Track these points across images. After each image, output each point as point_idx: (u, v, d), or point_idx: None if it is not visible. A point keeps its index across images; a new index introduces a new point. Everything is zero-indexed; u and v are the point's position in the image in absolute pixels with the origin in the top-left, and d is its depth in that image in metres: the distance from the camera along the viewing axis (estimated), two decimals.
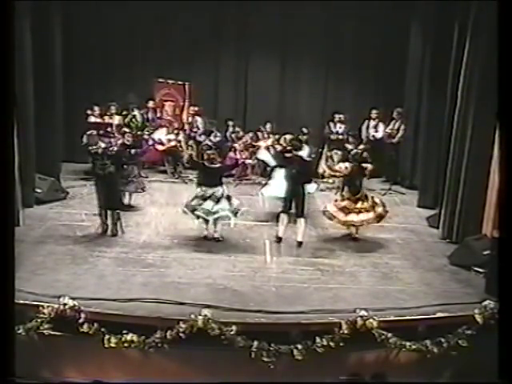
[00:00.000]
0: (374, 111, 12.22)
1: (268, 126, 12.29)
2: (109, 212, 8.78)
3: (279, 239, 8.82)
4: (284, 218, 8.78)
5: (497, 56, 5.78)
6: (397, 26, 11.86)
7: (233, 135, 12.49)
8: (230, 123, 12.46)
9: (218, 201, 8.60)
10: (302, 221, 8.74)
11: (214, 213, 8.60)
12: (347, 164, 9.08)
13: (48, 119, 10.40)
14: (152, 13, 12.38)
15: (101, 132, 10.87)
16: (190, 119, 12.47)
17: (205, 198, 8.61)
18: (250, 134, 12.33)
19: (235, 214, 8.81)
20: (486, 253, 7.73)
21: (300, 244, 8.71)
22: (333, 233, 9.30)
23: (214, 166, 8.83)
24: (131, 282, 7.40)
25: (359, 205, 8.85)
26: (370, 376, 6.23)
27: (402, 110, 11.93)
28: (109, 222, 8.79)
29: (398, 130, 12.00)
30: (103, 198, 8.75)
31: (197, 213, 8.62)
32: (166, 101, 12.47)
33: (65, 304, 6.48)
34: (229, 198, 8.80)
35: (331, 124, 12.33)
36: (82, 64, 12.11)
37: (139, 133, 11.79)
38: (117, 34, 12.46)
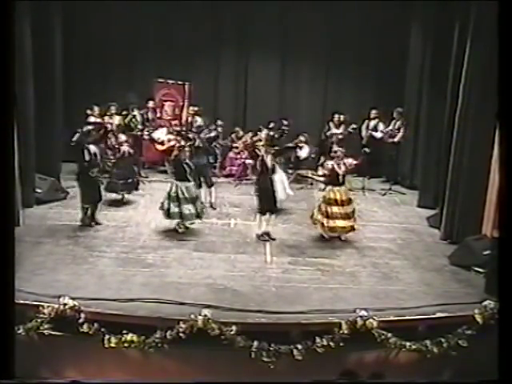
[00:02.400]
0: (373, 111, 12.22)
1: (219, 122, 12.22)
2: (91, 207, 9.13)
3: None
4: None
5: (497, 56, 5.79)
6: (397, 26, 11.85)
7: (233, 135, 12.48)
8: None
9: (183, 201, 8.78)
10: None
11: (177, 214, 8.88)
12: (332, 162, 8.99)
13: (48, 119, 10.40)
14: (152, 13, 12.38)
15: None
16: (190, 119, 12.46)
17: (172, 198, 8.84)
18: (250, 134, 12.33)
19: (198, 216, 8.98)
20: (486, 253, 7.74)
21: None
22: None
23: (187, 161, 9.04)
24: (131, 282, 7.41)
25: (345, 210, 8.82)
26: (368, 376, 6.22)
27: (401, 110, 11.94)
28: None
29: (398, 129, 12.01)
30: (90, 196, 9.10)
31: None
32: (166, 101, 12.46)
33: (65, 304, 6.48)
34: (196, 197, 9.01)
35: (331, 124, 12.34)
36: (81, 64, 12.11)
37: (139, 133, 11.82)
38: (117, 34, 12.44)
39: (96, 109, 11.78)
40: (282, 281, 7.65)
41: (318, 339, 6.41)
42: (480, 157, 8.50)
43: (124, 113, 11.86)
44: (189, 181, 8.99)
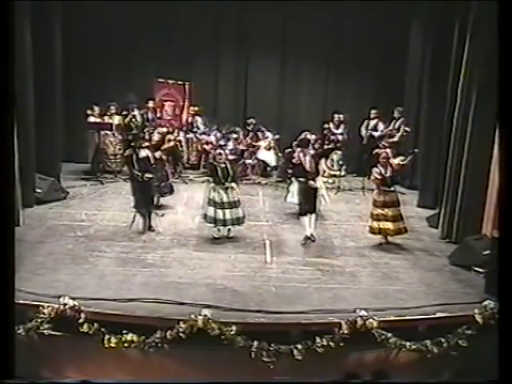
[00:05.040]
0: (373, 111, 12.21)
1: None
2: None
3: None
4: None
5: (497, 56, 5.79)
6: (397, 26, 11.86)
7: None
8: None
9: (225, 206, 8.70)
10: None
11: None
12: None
13: (48, 119, 10.40)
14: (152, 13, 12.38)
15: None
16: (190, 119, 12.46)
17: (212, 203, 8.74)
18: (250, 134, 12.33)
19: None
20: (485, 253, 7.73)
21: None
22: (333, 233, 9.31)
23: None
24: (131, 281, 7.40)
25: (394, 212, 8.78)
26: (370, 374, 6.20)
27: (402, 110, 11.94)
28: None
29: (397, 129, 12.01)
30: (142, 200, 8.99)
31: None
32: (166, 101, 12.45)
33: (65, 304, 6.49)
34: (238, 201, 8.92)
35: (331, 124, 12.33)
36: (81, 64, 12.10)
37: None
38: (117, 34, 12.45)
39: (96, 109, 11.78)
40: (282, 281, 7.65)
41: (317, 339, 6.41)
42: (480, 156, 8.49)
43: (124, 113, 11.86)
44: (227, 183, 8.76)
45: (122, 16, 12.30)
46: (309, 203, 8.80)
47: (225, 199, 8.68)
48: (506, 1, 5.48)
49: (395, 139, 11.98)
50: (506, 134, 5.33)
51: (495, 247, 6.65)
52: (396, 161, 8.93)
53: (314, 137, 10.56)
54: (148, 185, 8.97)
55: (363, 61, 12.64)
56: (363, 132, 12.35)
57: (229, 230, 8.90)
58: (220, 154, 9.04)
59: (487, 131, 8.21)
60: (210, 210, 8.73)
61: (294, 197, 9.65)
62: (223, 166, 8.82)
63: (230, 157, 8.92)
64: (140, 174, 8.81)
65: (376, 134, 12.16)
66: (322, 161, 12.27)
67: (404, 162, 9.08)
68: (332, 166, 12.19)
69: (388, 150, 9.19)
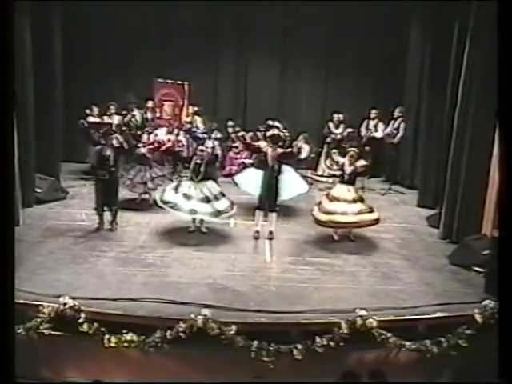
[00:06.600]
0: (373, 111, 12.21)
1: (230, 123, 12.41)
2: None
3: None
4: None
5: (497, 56, 5.79)
6: (397, 26, 11.86)
7: (232, 135, 12.49)
8: (230, 123, 12.46)
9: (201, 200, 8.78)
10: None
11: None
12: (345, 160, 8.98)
13: (48, 119, 10.40)
14: (152, 13, 12.40)
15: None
16: (190, 119, 12.46)
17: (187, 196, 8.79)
18: (250, 134, 12.33)
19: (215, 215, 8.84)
20: (485, 253, 7.73)
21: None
22: (333, 232, 9.30)
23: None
24: (131, 281, 7.40)
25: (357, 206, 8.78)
26: (367, 374, 6.20)
27: (402, 110, 11.94)
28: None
29: (397, 129, 12.01)
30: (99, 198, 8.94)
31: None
32: (166, 101, 12.44)
33: (65, 304, 6.48)
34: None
35: (330, 124, 12.34)
36: (81, 64, 12.12)
37: (138, 132, 11.81)
38: (116, 34, 12.46)
39: (95, 109, 11.78)
40: (282, 280, 7.65)
41: (317, 339, 6.41)
42: (480, 156, 8.50)
43: (124, 112, 11.86)
44: (207, 180, 8.97)
45: (122, 16, 12.31)
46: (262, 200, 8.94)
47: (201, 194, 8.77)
48: (506, 1, 5.48)
49: (395, 140, 11.97)
50: (506, 134, 5.32)
51: (495, 247, 6.65)
52: (361, 162, 8.97)
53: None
54: (107, 184, 8.87)
55: (363, 61, 12.66)
56: (363, 132, 12.35)
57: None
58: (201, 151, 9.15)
59: (487, 131, 8.22)
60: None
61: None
62: (199, 162, 8.93)
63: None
64: (99, 173, 8.83)
65: (377, 134, 12.16)
66: (322, 161, 12.34)
67: (366, 163, 9.12)
68: (332, 165, 12.19)
69: (356, 150, 9.26)
